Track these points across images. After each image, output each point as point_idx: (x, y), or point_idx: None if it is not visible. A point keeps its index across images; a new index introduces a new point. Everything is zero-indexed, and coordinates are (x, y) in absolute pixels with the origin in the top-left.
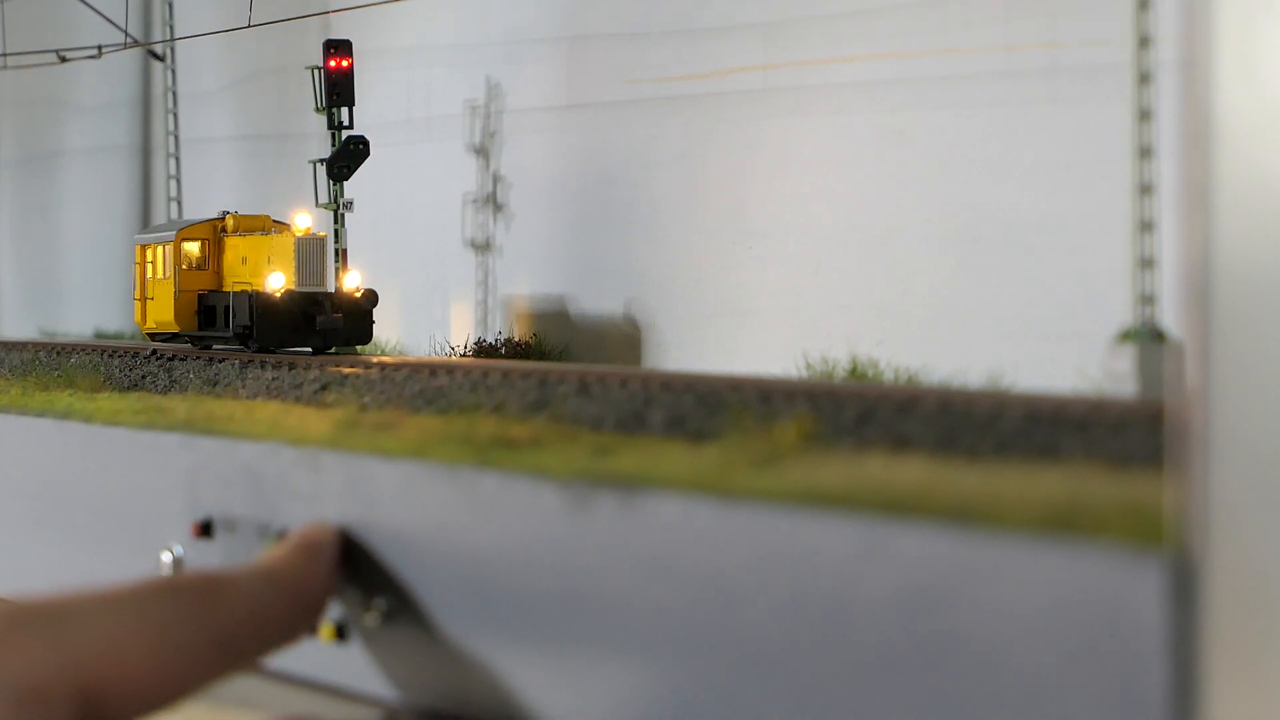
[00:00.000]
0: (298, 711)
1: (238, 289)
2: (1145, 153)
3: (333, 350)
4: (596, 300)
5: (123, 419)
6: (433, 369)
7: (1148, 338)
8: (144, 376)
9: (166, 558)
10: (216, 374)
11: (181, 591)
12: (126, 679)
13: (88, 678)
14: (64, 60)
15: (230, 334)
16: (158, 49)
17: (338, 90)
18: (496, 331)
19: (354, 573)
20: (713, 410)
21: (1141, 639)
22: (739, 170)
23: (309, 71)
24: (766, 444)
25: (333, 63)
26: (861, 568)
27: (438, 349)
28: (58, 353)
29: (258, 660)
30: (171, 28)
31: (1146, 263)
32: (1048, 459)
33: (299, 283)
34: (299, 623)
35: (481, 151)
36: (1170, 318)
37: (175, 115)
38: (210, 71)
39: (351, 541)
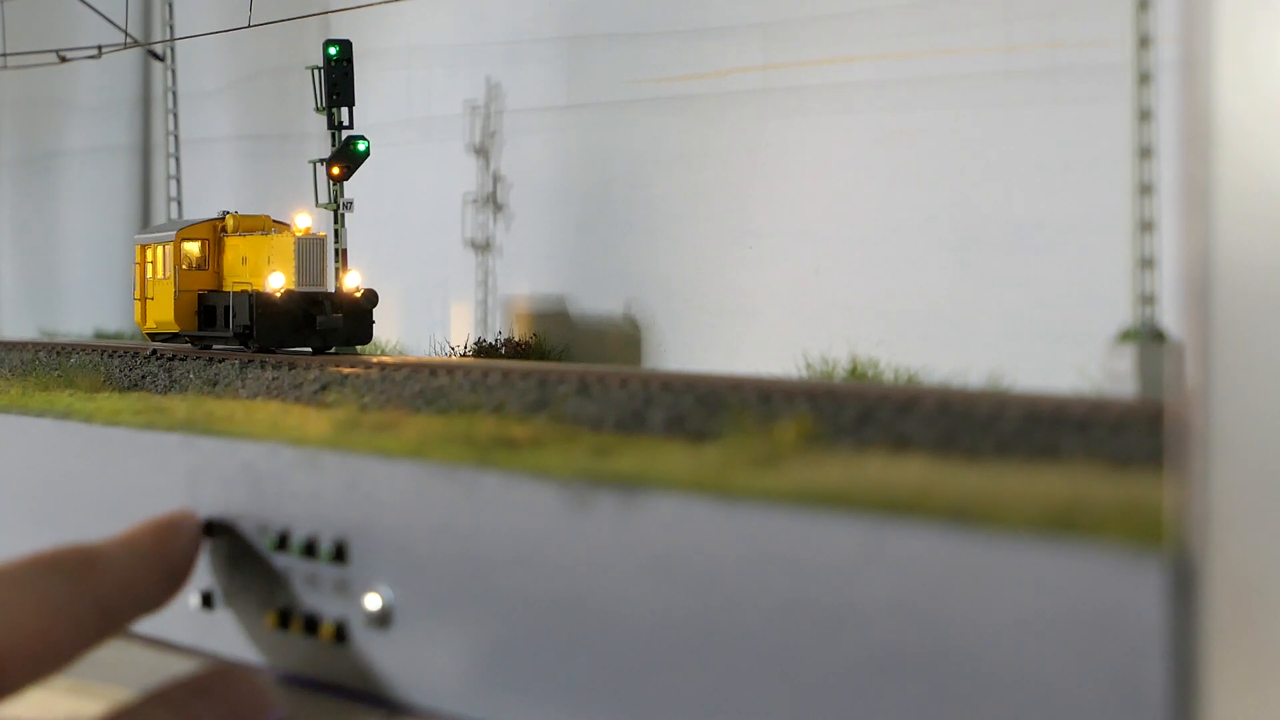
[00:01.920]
0: (299, 713)
1: (238, 289)
2: (1145, 153)
3: (333, 350)
4: (596, 300)
5: (123, 419)
6: (433, 369)
7: (1148, 338)
8: (144, 376)
9: None
10: (216, 374)
11: (65, 563)
12: (24, 648)
13: None
14: (64, 60)
15: (230, 334)
16: (158, 49)
17: (338, 90)
18: (496, 331)
19: (354, 572)
20: (713, 410)
21: (1141, 639)
22: (739, 170)
23: (309, 71)
24: (766, 444)
25: (333, 63)
26: (861, 568)
27: (438, 349)
28: (58, 353)
29: (129, 626)
30: (171, 28)
31: (1146, 263)
32: (1048, 459)
33: (299, 283)
34: (164, 592)
35: (481, 151)
36: (1170, 318)
37: (175, 115)
38: (210, 71)
39: (218, 527)
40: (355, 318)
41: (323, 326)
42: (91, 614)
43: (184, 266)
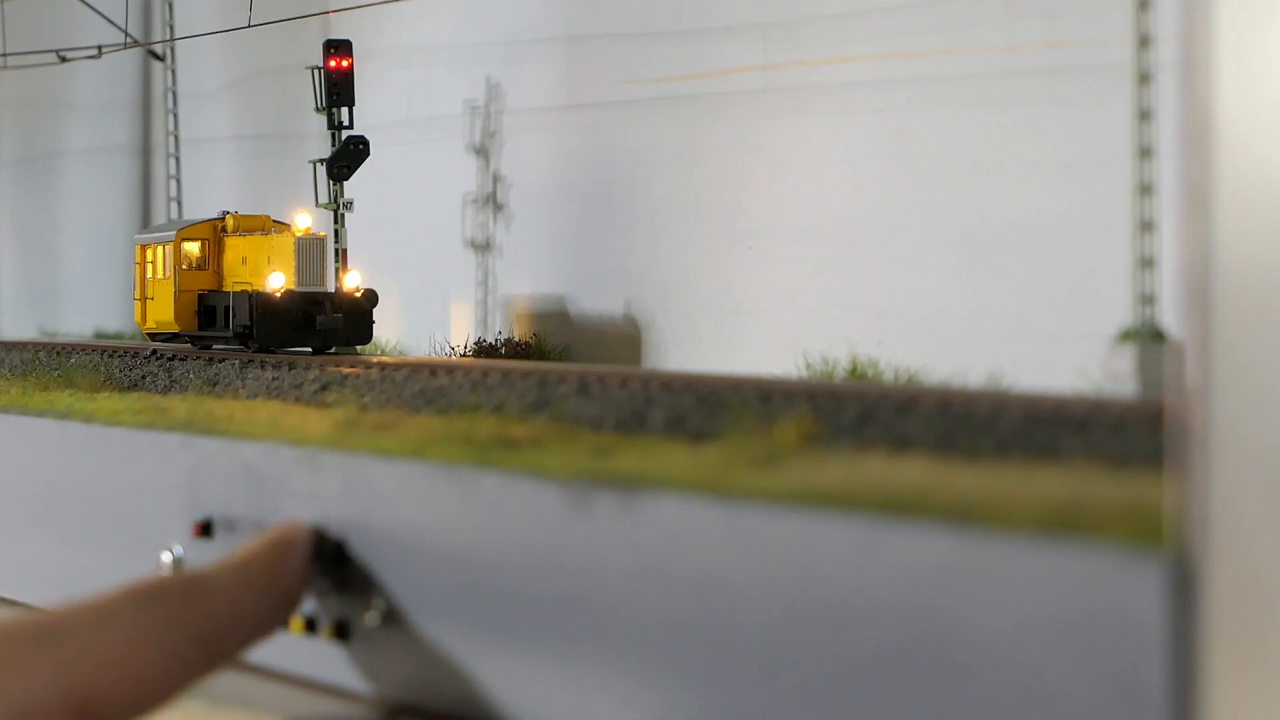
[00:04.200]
0: (299, 713)
1: (238, 289)
2: (1145, 153)
3: (333, 350)
4: (596, 300)
5: (123, 419)
6: (433, 369)
7: (1148, 338)
8: (144, 376)
9: (166, 558)
10: (216, 374)
11: (164, 594)
12: (119, 686)
13: (84, 690)
14: (64, 60)
15: (230, 334)
16: (158, 49)
17: (338, 90)
18: (496, 331)
19: (354, 572)
20: (713, 410)
21: (1141, 639)
22: (739, 170)
23: (309, 71)
24: (766, 444)
25: (333, 63)
26: (861, 568)
27: (438, 349)
28: (58, 353)
29: (238, 655)
30: (171, 28)
31: (1146, 263)
32: (1048, 459)
33: (299, 283)
34: (274, 617)
35: (481, 151)
36: (1170, 318)
37: (175, 115)
38: (210, 71)
39: (328, 541)
40: (355, 318)
41: (323, 326)
42: (193, 646)
43: (184, 266)
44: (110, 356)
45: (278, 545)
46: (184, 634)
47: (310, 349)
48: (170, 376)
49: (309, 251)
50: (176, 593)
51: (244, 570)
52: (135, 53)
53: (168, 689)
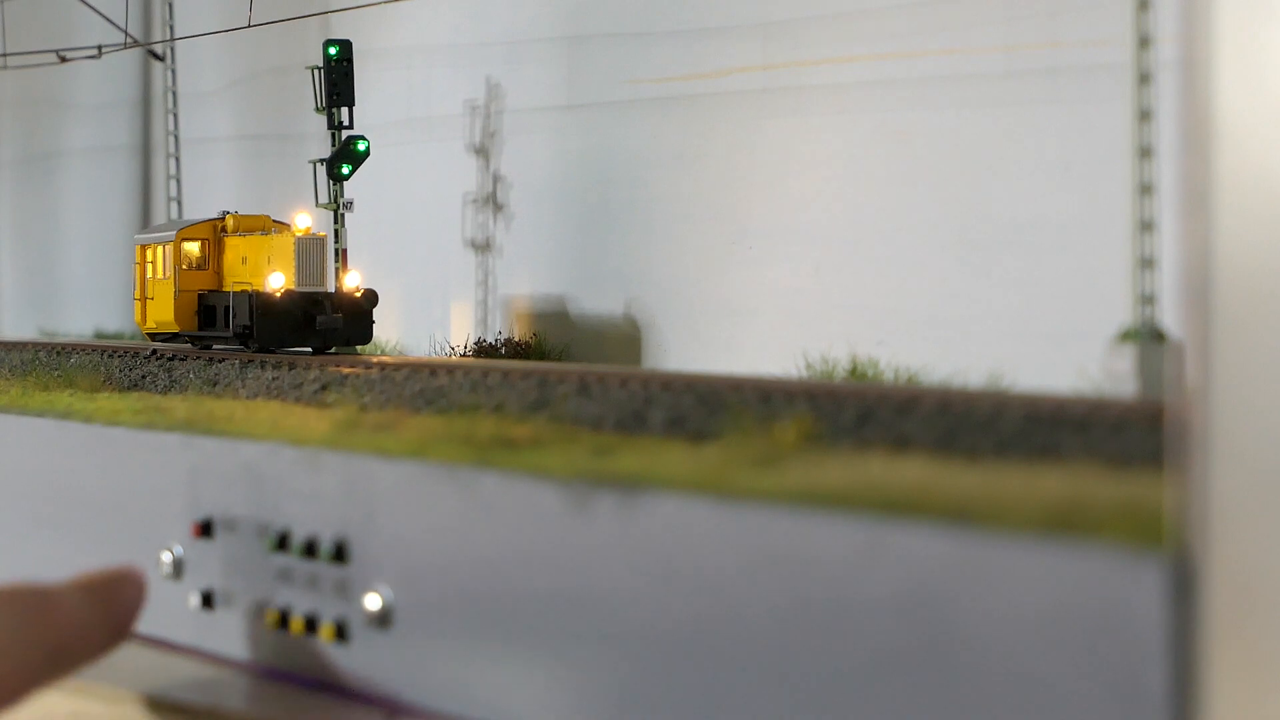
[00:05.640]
0: (299, 713)
1: (238, 289)
2: (1145, 153)
3: (333, 350)
4: (596, 300)
5: (123, 419)
6: (433, 369)
7: (1148, 338)
8: (144, 376)
9: (166, 558)
10: (216, 374)
11: (17, 601)
12: None
13: None
14: (64, 60)
15: (230, 334)
16: (158, 49)
17: (338, 90)
18: (496, 331)
19: (354, 572)
20: (713, 410)
21: (1141, 639)
22: (739, 170)
23: (309, 71)
24: (766, 444)
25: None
26: (861, 568)
27: (438, 349)
28: (58, 353)
29: (77, 670)
30: (171, 28)
31: (1146, 263)
32: (1048, 459)
33: (299, 283)
34: (110, 641)
35: (481, 151)
36: (1170, 318)
37: (175, 115)
38: (210, 71)
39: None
40: (355, 318)
41: (323, 326)
42: (41, 655)
43: (184, 266)
44: (110, 356)
45: (118, 577)
46: (34, 642)
47: (310, 349)
48: (170, 376)
49: (309, 251)
50: (29, 600)
51: (86, 591)
52: (135, 53)
53: (12, 694)
